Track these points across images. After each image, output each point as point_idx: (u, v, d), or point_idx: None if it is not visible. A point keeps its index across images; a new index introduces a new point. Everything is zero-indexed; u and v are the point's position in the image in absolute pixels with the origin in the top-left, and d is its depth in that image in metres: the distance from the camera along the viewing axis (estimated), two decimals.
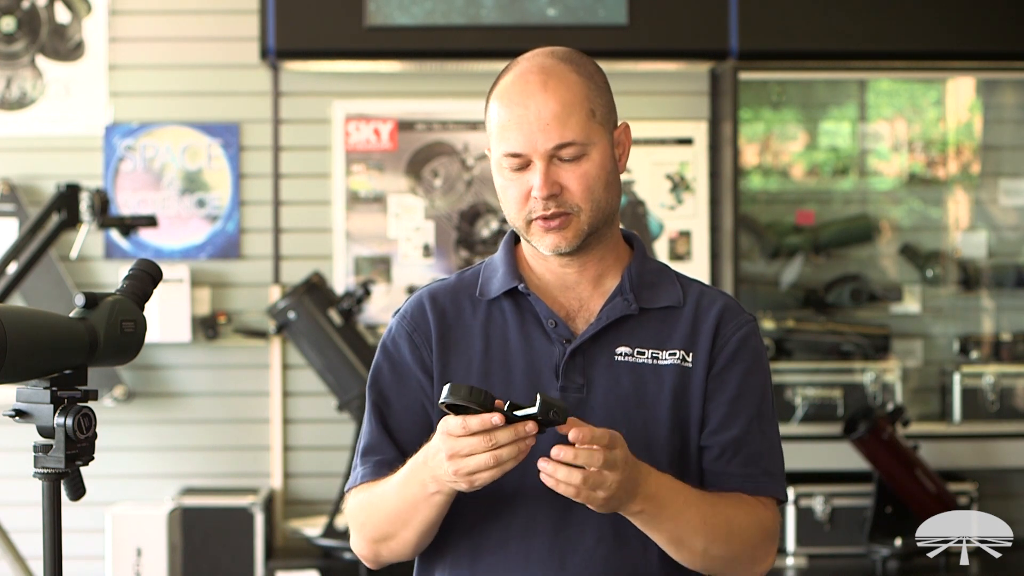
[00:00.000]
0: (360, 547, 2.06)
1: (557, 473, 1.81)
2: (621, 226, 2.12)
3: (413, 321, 2.07)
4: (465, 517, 2.00)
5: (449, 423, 1.84)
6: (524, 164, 1.97)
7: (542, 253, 2.02)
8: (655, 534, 1.93)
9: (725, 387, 2.01)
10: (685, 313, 2.04)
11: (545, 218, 1.97)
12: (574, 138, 1.96)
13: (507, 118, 1.97)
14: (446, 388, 1.80)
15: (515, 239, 2.12)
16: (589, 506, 1.85)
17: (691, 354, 2.01)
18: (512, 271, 2.06)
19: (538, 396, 1.80)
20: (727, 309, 2.05)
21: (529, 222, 1.99)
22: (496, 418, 1.80)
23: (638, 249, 2.09)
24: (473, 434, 1.81)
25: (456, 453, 1.83)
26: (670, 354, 2.01)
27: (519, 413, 1.80)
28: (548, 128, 1.95)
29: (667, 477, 1.93)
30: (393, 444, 2.05)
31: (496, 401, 1.82)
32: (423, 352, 2.05)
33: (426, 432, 2.00)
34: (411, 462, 1.95)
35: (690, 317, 2.03)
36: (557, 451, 1.81)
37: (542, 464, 1.82)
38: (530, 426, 1.81)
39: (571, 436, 1.80)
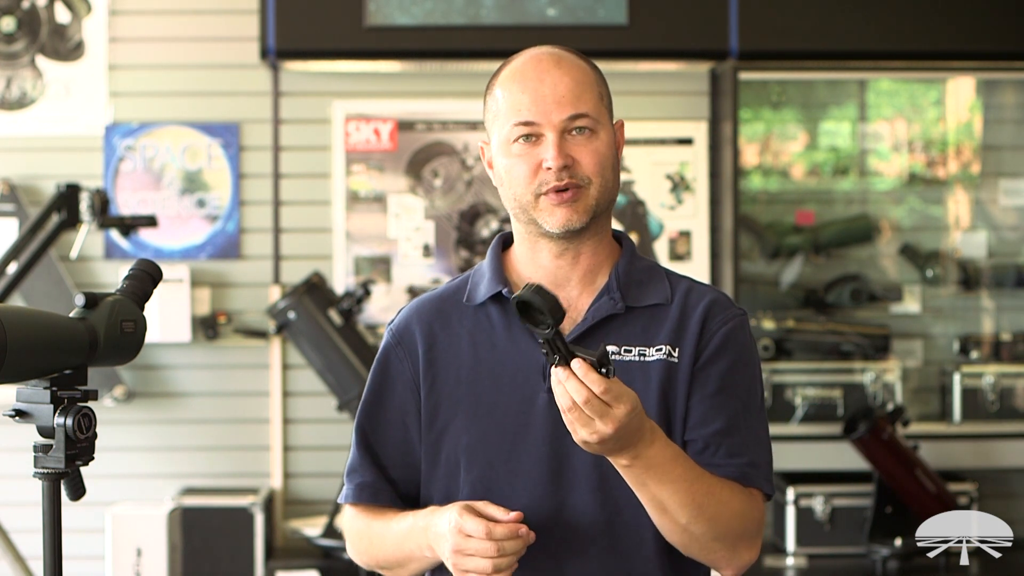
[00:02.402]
0: (359, 563, 2.14)
1: (556, 388, 1.80)
2: (617, 227, 2.13)
3: (399, 336, 2.09)
4: None
5: (467, 524, 1.88)
6: (535, 136, 1.98)
7: (546, 232, 2.00)
8: (639, 493, 1.91)
9: (709, 381, 2.00)
10: (672, 309, 2.03)
11: (557, 190, 1.97)
12: (587, 111, 1.98)
13: (520, 92, 1.99)
14: (526, 288, 1.78)
15: (502, 244, 2.13)
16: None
17: (677, 349, 2.01)
18: (498, 275, 2.07)
19: (604, 346, 1.83)
20: (715, 303, 2.04)
21: (538, 196, 1.99)
22: (523, 530, 1.87)
23: (627, 248, 2.09)
24: (486, 540, 1.87)
25: (461, 551, 1.88)
26: (656, 350, 2.01)
27: (581, 353, 1.80)
28: (563, 100, 1.97)
29: (672, 449, 1.91)
30: (372, 467, 2.08)
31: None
32: (407, 368, 2.07)
33: (405, 449, 2.06)
34: (413, 523, 1.99)
35: (677, 313, 2.03)
36: (556, 371, 1.80)
37: (555, 371, 1.80)
38: (532, 537, 1.88)
39: (574, 365, 1.79)
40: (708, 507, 1.92)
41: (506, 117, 2.00)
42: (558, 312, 1.77)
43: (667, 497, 1.90)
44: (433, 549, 1.94)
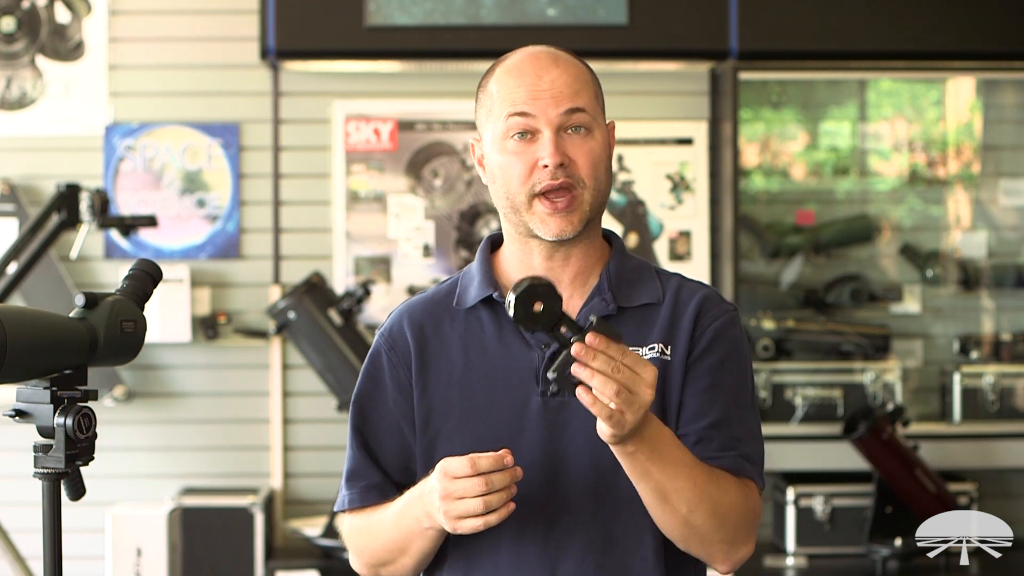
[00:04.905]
0: (359, 569, 2.09)
1: (593, 380, 1.75)
2: (613, 226, 2.12)
3: (391, 339, 2.08)
4: None
5: (450, 464, 1.86)
6: (531, 133, 1.97)
7: (541, 238, 2.00)
8: (641, 482, 1.89)
9: (701, 376, 2.00)
10: (664, 308, 2.03)
11: (552, 191, 1.95)
12: (585, 106, 1.97)
13: (517, 87, 1.98)
14: (517, 288, 1.77)
15: (491, 246, 2.12)
16: (607, 428, 1.78)
17: (669, 347, 2.00)
18: (487, 279, 2.06)
19: (594, 318, 1.77)
20: (706, 300, 2.04)
21: (532, 197, 1.97)
22: (508, 458, 1.83)
23: (617, 247, 2.09)
24: (473, 476, 1.83)
25: (449, 495, 1.85)
26: (649, 348, 2.00)
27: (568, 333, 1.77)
28: (560, 95, 1.97)
29: (668, 430, 1.90)
30: (377, 468, 2.06)
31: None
32: (400, 371, 2.05)
33: (405, 453, 2.03)
34: (408, 494, 1.96)
35: (669, 311, 2.02)
36: (578, 349, 1.75)
37: (576, 369, 1.76)
38: (519, 472, 1.84)
39: (588, 339, 1.75)
40: (707, 494, 1.90)
41: (501, 110, 1.98)
42: (557, 298, 1.77)
43: (668, 481, 1.87)
44: (429, 516, 1.90)
